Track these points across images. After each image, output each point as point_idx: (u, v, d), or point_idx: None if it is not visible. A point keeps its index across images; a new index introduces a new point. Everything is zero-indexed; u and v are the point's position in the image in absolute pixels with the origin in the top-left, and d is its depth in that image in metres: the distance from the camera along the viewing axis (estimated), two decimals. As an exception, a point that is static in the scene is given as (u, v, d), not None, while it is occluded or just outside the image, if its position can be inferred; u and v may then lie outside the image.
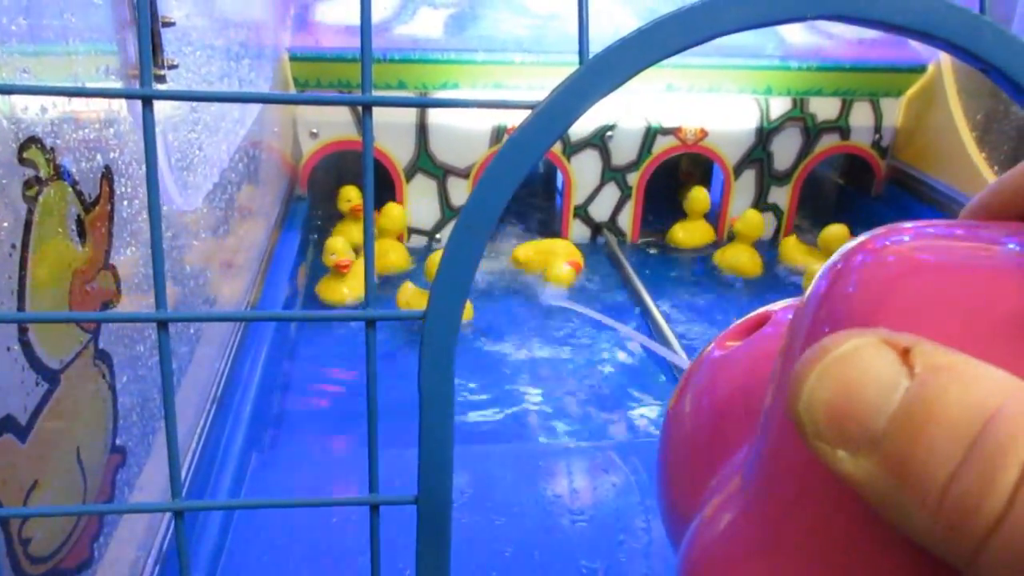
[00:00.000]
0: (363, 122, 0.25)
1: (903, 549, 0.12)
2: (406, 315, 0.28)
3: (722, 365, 0.21)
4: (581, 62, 0.25)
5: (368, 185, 0.25)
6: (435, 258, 1.22)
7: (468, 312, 1.23)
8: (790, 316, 0.23)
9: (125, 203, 0.54)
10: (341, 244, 1.24)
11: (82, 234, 0.46)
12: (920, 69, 1.54)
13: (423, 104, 0.27)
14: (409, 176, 1.50)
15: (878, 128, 1.58)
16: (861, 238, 0.15)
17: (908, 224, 0.15)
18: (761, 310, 0.23)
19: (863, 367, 0.11)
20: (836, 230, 1.37)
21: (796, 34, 1.58)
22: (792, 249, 1.48)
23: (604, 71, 0.25)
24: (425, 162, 1.49)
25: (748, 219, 1.47)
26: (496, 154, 0.25)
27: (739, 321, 0.23)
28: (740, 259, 1.46)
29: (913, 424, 0.11)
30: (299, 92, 1.45)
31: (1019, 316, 0.12)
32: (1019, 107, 0.28)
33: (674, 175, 1.63)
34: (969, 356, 0.11)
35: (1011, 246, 0.13)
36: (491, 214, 0.26)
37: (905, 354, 0.11)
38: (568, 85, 0.25)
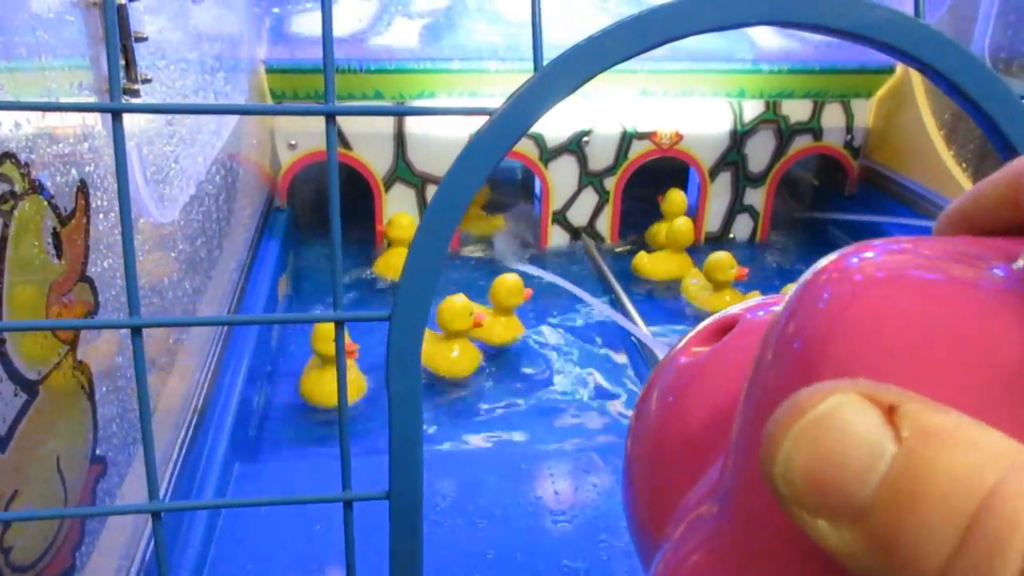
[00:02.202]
0: (327, 132, 0.26)
1: None
2: (373, 316, 0.28)
3: (689, 374, 0.20)
4: (536, 69, 0.26)
5: (333, 193, 0.26)
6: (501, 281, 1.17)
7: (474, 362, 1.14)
8: (760, 314, 0.22)
9: (101, 216, 0.55)
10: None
11: (58, 247, 0.47)
12: (889, 70, 1.56)
13: (385, 112, 0.28)
14: (388, 185, 1.51)
15: (850, 129, 1.61)
16: (832, 255, 0.14)
17: (879, 241, 0.14)
18: (727, 312, 0.22)
19: (844, 429, 0.10)
20: (720, 257, 1.30)
21: (767, 37, 1.60)
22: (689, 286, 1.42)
23: (558, 77, 0.26)
24: (403, 171, 1.50)
25: (676, 228, 1.45)
26: (456, 160, 0.26)
27: (705, 323, 0.22)
28: (642, 262, 1.46)
29: (901, 499, 0.10)
30: (275, 103, 1.45)
31: (1004, 365, 0.11)
32: (956, 103, 0.29)
33: (651, 179, 1.65)
34: (963, 415, 0.10)
35: (1001, 283, 0.12)
36: (453, 217, 0.27)
37: (890, 412, 0.10)
38: (523, 91, 0.26)
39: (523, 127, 0.26)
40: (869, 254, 0.13)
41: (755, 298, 0.23)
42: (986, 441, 0.10)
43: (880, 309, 0.12)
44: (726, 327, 0.21)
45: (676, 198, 1.56)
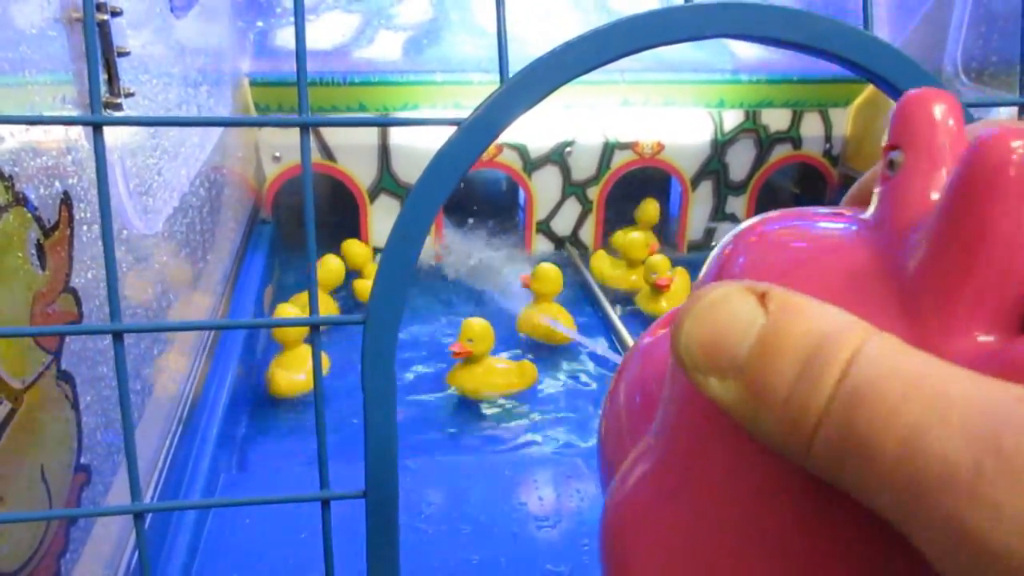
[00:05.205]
0: (301, 143, 0.27)
1: (781, 477, 0.15)
2: (348, 320, 0.29)
3: (650, 349, 0.23)
4: (502, 81, 0.28)
5: (308, 204, 0.27)
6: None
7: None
8: None
9: (85, 227, 0.56)
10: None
11: (42, 258, 0.48)
12: (865, 79, 1.59)
13: (359, 123, 0.29)
14: (373, 196, 1.52)
15: (828, 137, 1.63)
16: (746, 223, 0.18)
17: (777, 212, 0.19)
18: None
19: (728, 309, 0.14)
20: (656, 261, 1.32)
21: (746, 49, 1.62)
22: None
23: (523, 89, 0.27)
24: (388, 182, 1.51)
25: (628, 241, 1.44)
26: (426, 168, 0.28)
27: (670, 311, 0.25)
28: (598, 267, 1.48)
29: (766, 351, 0.13)
30: (260, 116, 1.46)
31: (845, 273, 0.15)
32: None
33: (633, 188, 1.66)
34: (810, 297, 0.14)
35: (852, 227, 0.17)
36: (423, 223, 0.28)
37: (762, 297, 0.14)
38: (490, 103, 0.27)
39: (490, 136, 0.27)
40: (774, 222, 0.18)
41: None
42: (824, 310, 0.14)
43: (769, 252, 0.17)
44: None
45: (648, 208, 1.57)
